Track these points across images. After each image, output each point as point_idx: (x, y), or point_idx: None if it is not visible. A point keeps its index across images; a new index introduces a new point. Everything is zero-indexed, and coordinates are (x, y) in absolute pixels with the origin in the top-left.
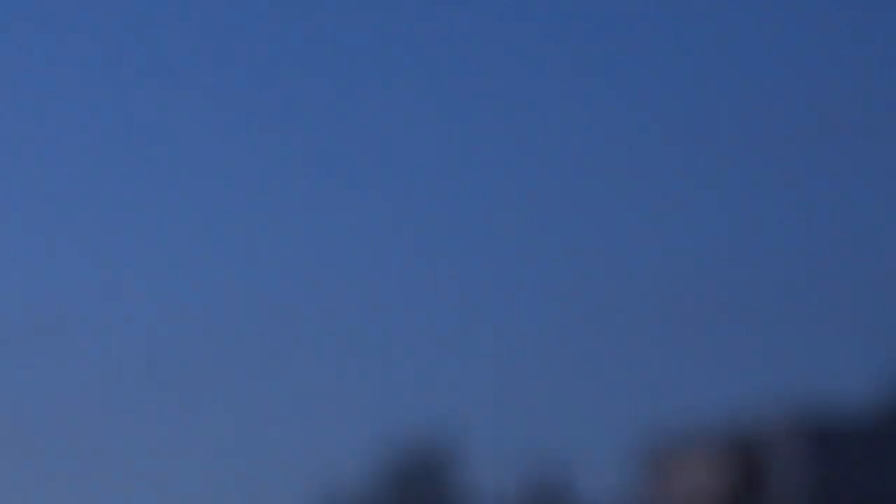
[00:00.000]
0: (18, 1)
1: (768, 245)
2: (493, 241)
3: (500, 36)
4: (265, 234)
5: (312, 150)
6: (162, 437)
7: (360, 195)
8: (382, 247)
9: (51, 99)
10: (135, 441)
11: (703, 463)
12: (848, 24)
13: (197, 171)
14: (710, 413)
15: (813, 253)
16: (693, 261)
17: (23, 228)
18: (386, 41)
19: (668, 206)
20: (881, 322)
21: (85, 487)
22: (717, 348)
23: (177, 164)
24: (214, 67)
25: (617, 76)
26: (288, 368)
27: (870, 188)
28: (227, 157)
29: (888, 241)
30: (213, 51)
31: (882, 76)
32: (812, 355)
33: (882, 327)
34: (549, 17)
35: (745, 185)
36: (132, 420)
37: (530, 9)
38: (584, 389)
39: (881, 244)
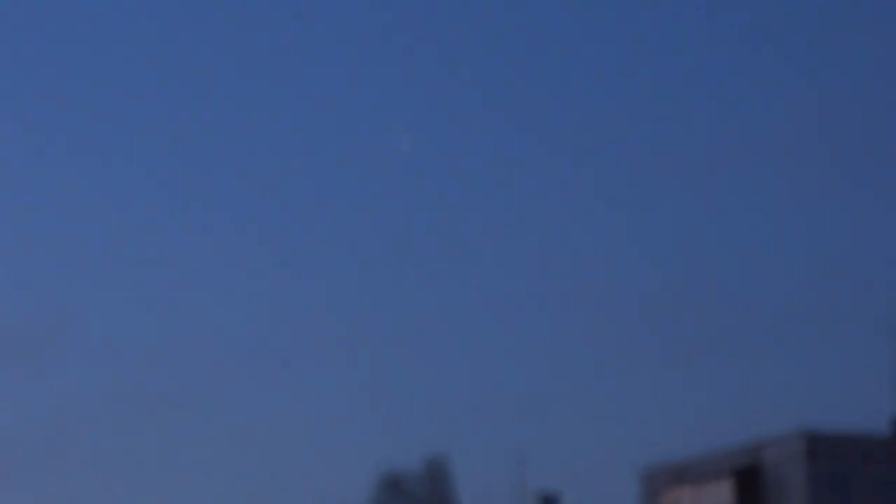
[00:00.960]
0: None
1: (768, 263)
2: (500, 259)
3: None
4: (269, 246)
5: (312, 159)
6: (164, 450)
7: (355, 215)
8: (385, 261)
9: (51, 103)
10: (137, 448)
11: (706, 484)
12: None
13: (198, 174)
14: (714, 435)
15: (812, 272)
16: (695, 279)
17: (22, 235)
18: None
19: (669, 229)
20: (881, 342)
21: (82, 496)
22: (719, 371)
23: (177, 168)
24: (215, 70)
25: (620, 86)
26: (287, 384)
27: (865, 203)
28: (230, 162)
29: (884, 255)
30: (212, 52)
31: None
32: (813, 377)
33: (882, 347)
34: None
35: (743, 204)
36: (134, 426)
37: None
38: (589, 412)
39: (878, 260)
